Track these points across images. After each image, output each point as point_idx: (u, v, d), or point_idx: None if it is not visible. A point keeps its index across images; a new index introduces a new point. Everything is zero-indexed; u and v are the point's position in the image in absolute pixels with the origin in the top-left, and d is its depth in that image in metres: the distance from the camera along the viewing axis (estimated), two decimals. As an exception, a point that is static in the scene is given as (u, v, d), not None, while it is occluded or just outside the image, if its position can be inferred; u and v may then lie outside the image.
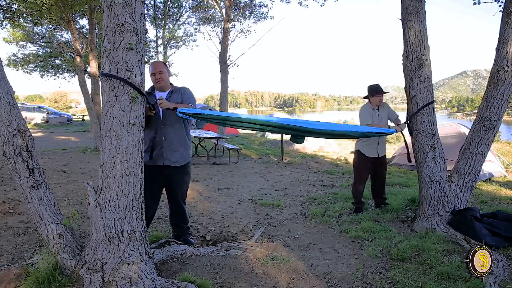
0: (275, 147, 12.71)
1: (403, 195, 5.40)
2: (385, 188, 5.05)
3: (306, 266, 3.26)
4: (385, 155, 4.89)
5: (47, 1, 9.03)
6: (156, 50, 16.86)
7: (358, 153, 4.83)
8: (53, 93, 51.02)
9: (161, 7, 16.27)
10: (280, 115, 21.38)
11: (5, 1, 9.54)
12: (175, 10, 16.80)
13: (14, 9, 9.72)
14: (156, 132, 3.31)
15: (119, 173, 2.69)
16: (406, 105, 4.41)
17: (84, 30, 13.73)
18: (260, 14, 13.02)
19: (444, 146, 4.32)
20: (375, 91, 4.72)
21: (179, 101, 3.38)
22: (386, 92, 4.79)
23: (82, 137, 14.94)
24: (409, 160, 4.47)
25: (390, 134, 4.54)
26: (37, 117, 22.51)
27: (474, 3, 6.18)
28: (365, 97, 4.84)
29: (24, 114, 15.61)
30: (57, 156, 9.58)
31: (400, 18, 4.25)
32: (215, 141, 9.81)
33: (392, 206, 4.79)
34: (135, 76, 2.69)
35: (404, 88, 4.34)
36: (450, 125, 8.92)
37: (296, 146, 11.49)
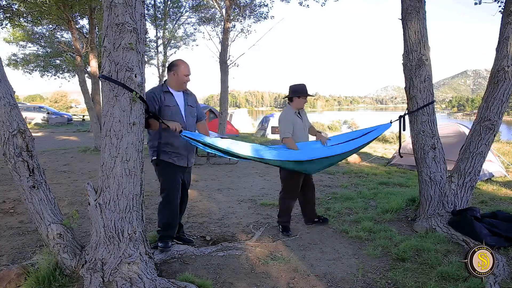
0: (275, 147, 12.67)
1: (403, 195, 5.39)
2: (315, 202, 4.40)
3: (306, 266, 3.26)
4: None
5: (47, 1, 9.03)
6: (156, 50, 16.86)
7: None
8: (53, 93, 51.06)
9: (161, 7, 16.27)
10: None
11: (6, 1, 9.55)
12: (175, 10, 16.79)
13: (14, 9, 9.72)
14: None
15: (119, 173, 2.69)
16: (406, 105, 4.41)
17: (84, 30, 13.73)
18: (260, 14, 13.02)
19: (444, 146, 4.32)
20: (300, 91, 4.09)
21: (195, 105, 3.55)
22: (311, 95, 4.28)
23: (82, 137, 14.95)
24: (400, 156, 4.45)
25: (386, 129, 4.29)
26: (37, 117, 22.55)
27: (475, 3, 6.17)
28: (286, 97, 4.23)
29: (24, 114, 15.63)
30: (57, 156, 9.59)
31: (400, 18, 4.25)
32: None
33: (392, 206, 4.79)
34: (135, 76, 2.69)
35: (404, 88, 4.34)
36: (450, 125, 8.91)
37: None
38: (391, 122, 4.27)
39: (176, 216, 3.44)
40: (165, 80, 3.44)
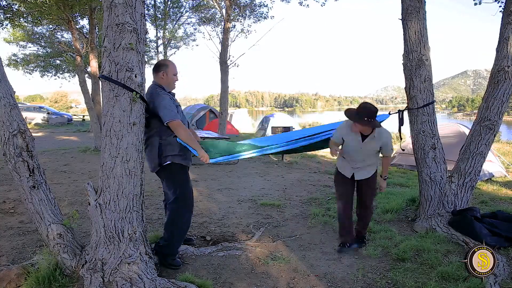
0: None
1: (403, 195, 5.40)
2: (368, 222, 3.76)
3: (306, 266, 3.26)
4: (369, 179, 3.54)
5: (48, 1, 9.04)
6: (156, 50, 16.86)
7: (336, 170, 3.72)
8: (53, 93, 51.10)
9: (161, 7, 16.28)
10: (280, 115, 21.37)
11: (6, 1, 9.55)
12: (175, 10, 16.80)
13: (14, 9, 9.73)
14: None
15: (120, 173, 2.69)
16: (406, 105, 4.41)
17: (84, 30, 13.73)
18: (260, 14, 13.03)
19: (444, 146, 4.32)
20: (358, 117, 3.20)
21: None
22: (375, 125, 3.19)
23: (83, 137, 14.95)
24: (402, 150, 4.43)
25: (383, 120, 4.00)
26: (38, 117, 22.54)
27: (475, 4, 6.17)
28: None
29: (25, 114, 15.61)
30: (58, 156, 9.59)
31: (401, 18, 4.25)
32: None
33: (392, 206, 4.79)
34: (136, 76, 2.70)
35: (404, 88, 4.34)
36: (450, 125, 8.92)
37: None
38: (389, 114, 4.21)
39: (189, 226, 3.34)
40: (155, 83, 3.19)
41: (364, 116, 3.14)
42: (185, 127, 3.07)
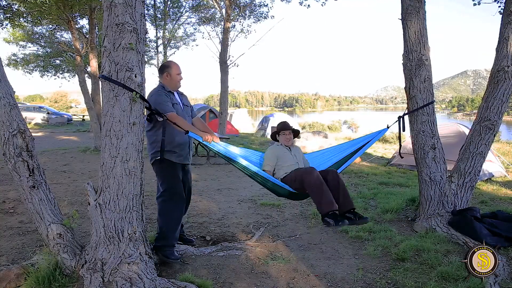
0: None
1: (403, 195, 5.40)
2: (345, 189, 3.60)
3: (306, 266, 3.26)
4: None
5: (47, 1, 9.04)
6: (156, 50, 16.85)
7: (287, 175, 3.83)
8: (53, 93, 51.10)
9: (161, 7, 16.28)
10: (280, 115, 21.38)
11: (6, 1, 9.55)
12: (175, 10, 16.80)
13: (14, 9, 9.73)
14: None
15: (119, 173, 2.69)
16: (406, 105, 4.41)
17: (84, 30, 13.74)
18: (260, 14, 13.03)
19: (444, 146, 4.32)
20: (281, 127, 4.05)
21: (190, 105, 3.57)
22: (295, 131, 4.13)
23: (82, 137, 14.95)
24: (401, 157, 4.46)
25: (383, 134, 4.19)
26: (38, 117, 22.55)
27: (474, 4, 6.18)
28: (273, 138, 4.21)
29: (24, 114, 15.62)
30: (57, 156, 9.59)
31: (400, 18, 4.25)
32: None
33: (392, 206, 4.78)
34: (135, 76, 2.69)
35: (404, 88, 4.34)
36: (450, 125, 8.91)
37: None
38: (387, 127, 4.19)
39: (181, 217, 3.43)
40: (160, 83, 3.38)
41: (291, 129, 4.05)
42: (180, 117, 3.18)
